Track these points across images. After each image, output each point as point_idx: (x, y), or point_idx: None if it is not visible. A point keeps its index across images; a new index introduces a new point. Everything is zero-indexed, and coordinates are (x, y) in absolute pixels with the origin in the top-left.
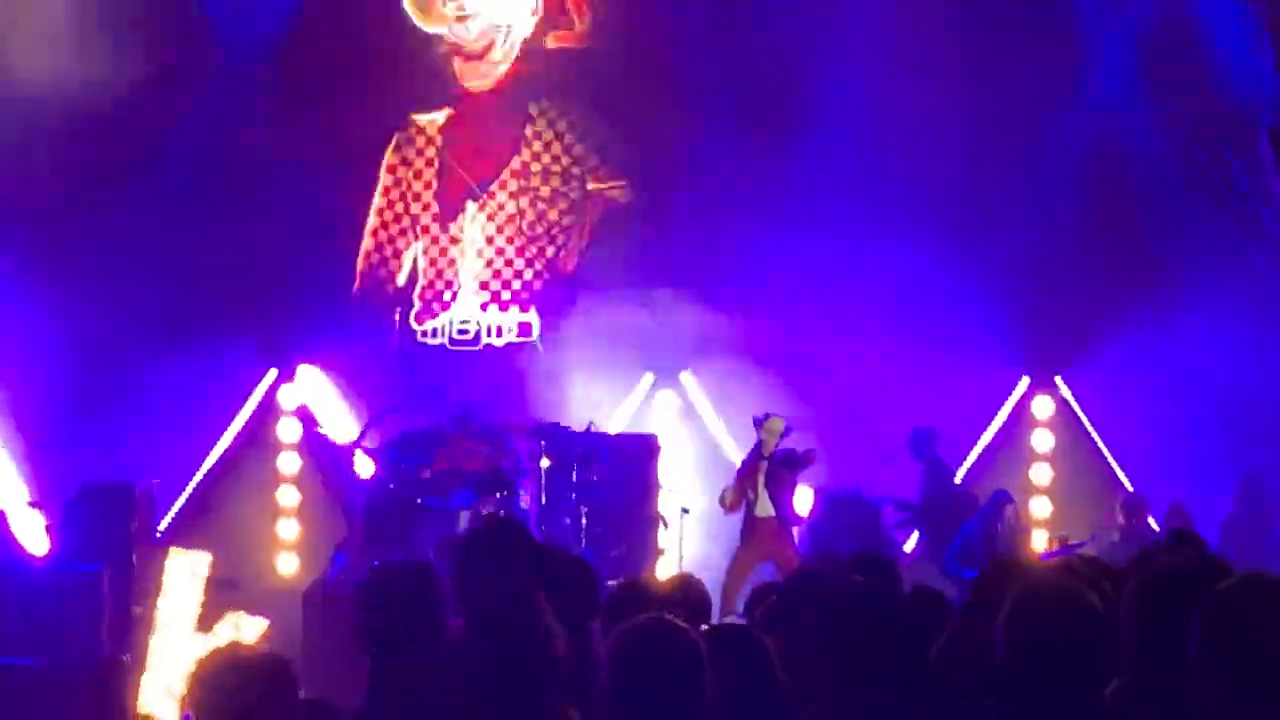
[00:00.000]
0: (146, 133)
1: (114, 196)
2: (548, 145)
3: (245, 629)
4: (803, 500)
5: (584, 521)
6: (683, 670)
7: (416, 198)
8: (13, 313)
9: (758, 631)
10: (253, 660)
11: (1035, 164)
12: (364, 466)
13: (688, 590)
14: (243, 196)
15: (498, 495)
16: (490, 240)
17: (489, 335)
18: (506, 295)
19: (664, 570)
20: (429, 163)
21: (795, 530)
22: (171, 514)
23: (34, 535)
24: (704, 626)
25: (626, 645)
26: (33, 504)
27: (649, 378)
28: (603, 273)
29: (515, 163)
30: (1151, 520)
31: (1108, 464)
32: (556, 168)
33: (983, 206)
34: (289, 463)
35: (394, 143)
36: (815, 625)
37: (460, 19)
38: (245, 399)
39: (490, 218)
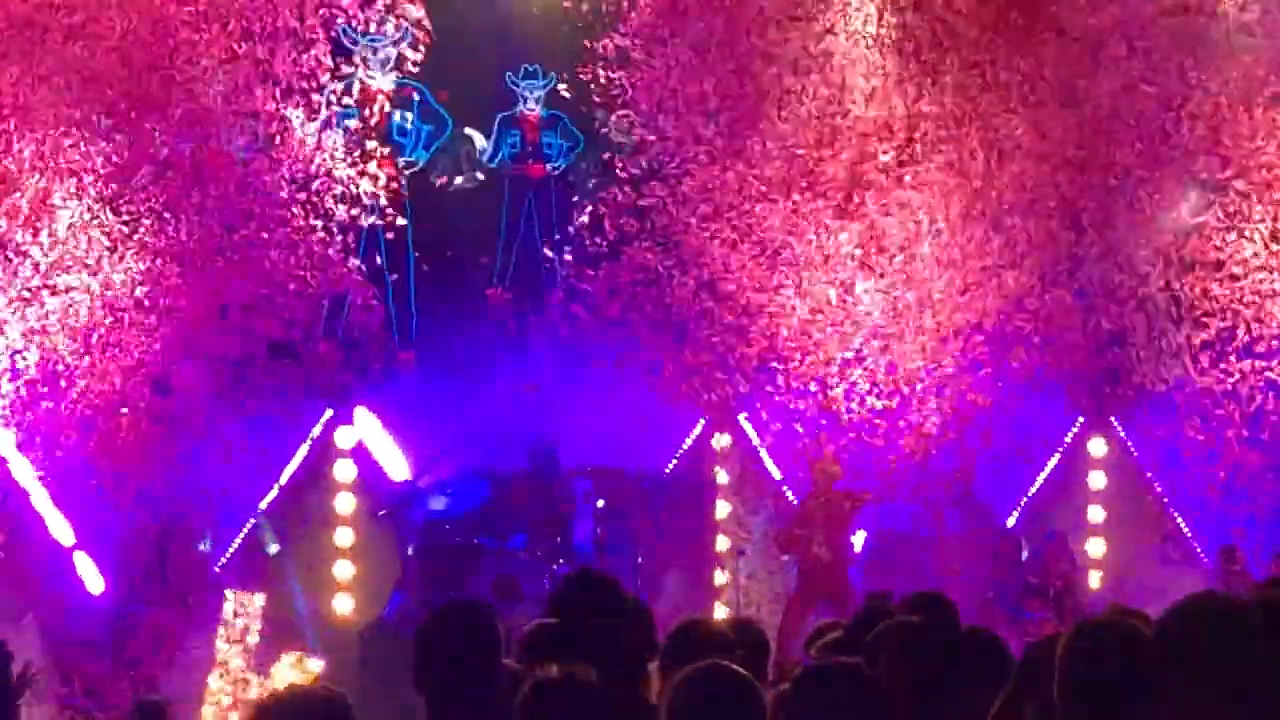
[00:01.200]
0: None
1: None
2: None
3: (301, 669)
4: (857, 539)
5: (639, 561)
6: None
7: None
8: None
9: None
10: (309, 701)
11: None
12: (420, 504)
13: (745, 632)
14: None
15: (554, 537)
16: None
17: None
18: None
19: (721, 611)
20: None
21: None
22: (228, 555)
23: (90, 574)
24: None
25: (685, 692)
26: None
27: (702, 422)
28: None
29: None
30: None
31: (1162, 504)
32: None
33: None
34: (345, 503)
35: None
36: (883, 662)
37: None
38: (302, 440)
39: None
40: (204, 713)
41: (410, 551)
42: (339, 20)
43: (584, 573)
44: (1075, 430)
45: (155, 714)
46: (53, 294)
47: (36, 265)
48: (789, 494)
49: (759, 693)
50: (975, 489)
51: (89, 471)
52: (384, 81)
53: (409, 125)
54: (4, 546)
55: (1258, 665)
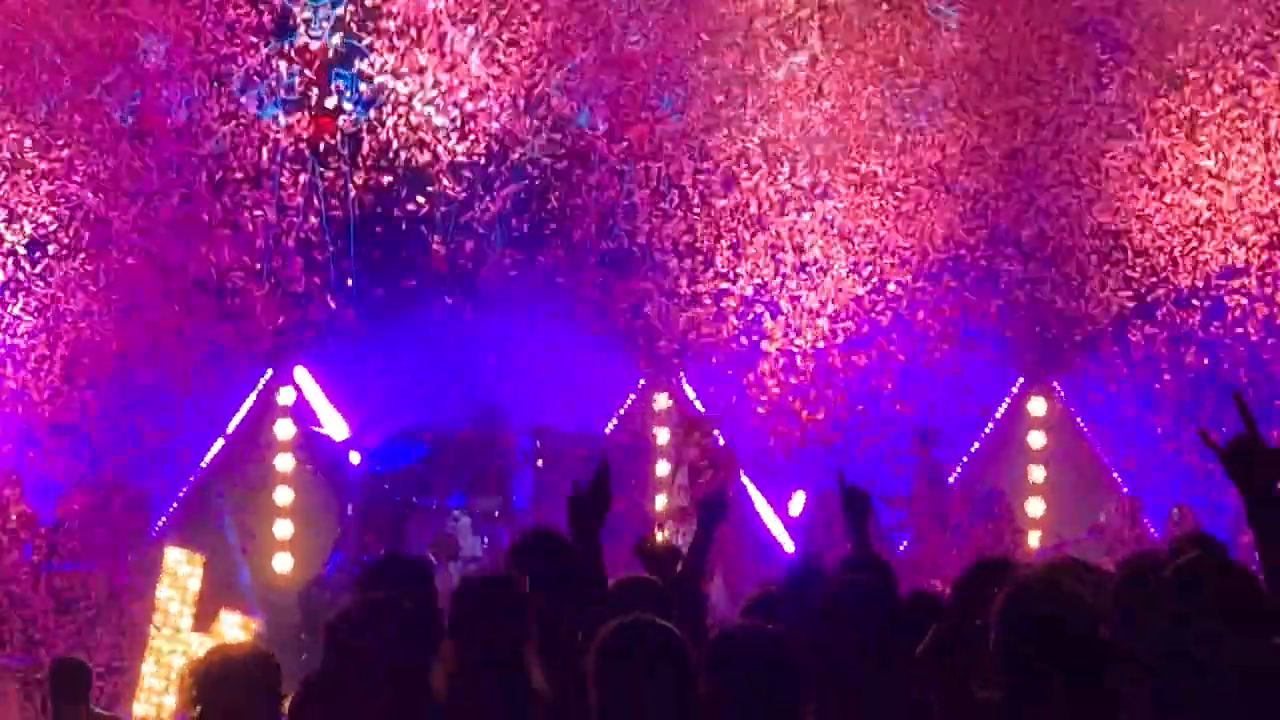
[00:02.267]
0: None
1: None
2: None
3: (240, 629)
4: (796, 501)
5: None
6: (669, 668)
7: None
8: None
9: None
10: (241, 661)
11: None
12: (357, 461)
13: (682, 591)
14: (237, 193)
15: (493, 497)
16: None
17: None
18: None
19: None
20: None
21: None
22: (168, 514)
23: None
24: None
25: (609, 645)
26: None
27: (642, 381)
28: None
29: None
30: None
31: (1101, 464)
32: None
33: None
34: (284, 462)
35: None
36: (814, 623)
37: None
38: (241, 399)
39: None
40: (143, 668)
41: (349, 511)
42: None
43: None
44: (1015, 389)
45: (74, 674)
46: None
47: None
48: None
49: (682, 645)
50: (924, 452)
51: (29, 426)
52: (325, 39)
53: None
54: None
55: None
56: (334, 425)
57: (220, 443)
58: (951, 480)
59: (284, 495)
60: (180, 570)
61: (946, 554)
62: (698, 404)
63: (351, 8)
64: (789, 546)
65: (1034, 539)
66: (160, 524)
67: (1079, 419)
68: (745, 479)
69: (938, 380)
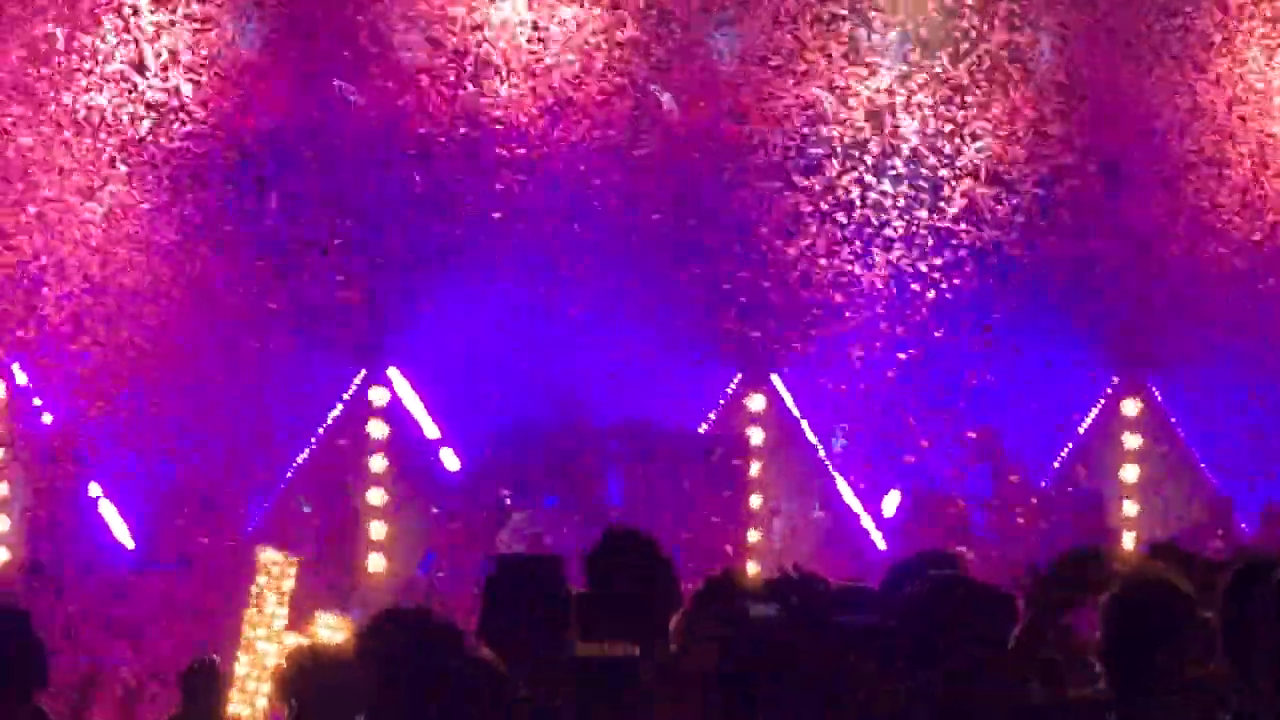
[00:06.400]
0: (231, 124)
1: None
2: None
3: (335, 629)
4: (890, 501)
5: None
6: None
7: None
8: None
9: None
10: (332, 660)
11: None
12: (451, 462)
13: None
14: (332, 196)
15: (585, 496)
16: None
17: None
18: None
19: (753, 569)
20: None
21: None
22: (260, 515)
23: (121, 532)
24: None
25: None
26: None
27: (738, 378)
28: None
29: None
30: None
31: (1196, 465)
32: None
33: (1073, 208)
34: (378, 463)
35: None
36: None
37: None
38: (335, 400)
39: None
40: (236, 667)
41: (440, 512)
42: None
43: (615, 533)
44: (1110, 390)
45: (208, 674)
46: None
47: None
48: (821, 452)
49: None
50: (1006, 448)
51: (120, 429)
52: None
53: None
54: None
55: None
56: (428, 425)
57: (313, 444)
58: (1044, 484)
59: (377, 496)
60: (274, 570)
61: (1040, 556)
62: (791, 404)
63: None
64: (881, 545)
65: (1129, 540)
66: (253, 525)
67: (1175, 420)
68: (838, 476)
69: (1029, 381)
